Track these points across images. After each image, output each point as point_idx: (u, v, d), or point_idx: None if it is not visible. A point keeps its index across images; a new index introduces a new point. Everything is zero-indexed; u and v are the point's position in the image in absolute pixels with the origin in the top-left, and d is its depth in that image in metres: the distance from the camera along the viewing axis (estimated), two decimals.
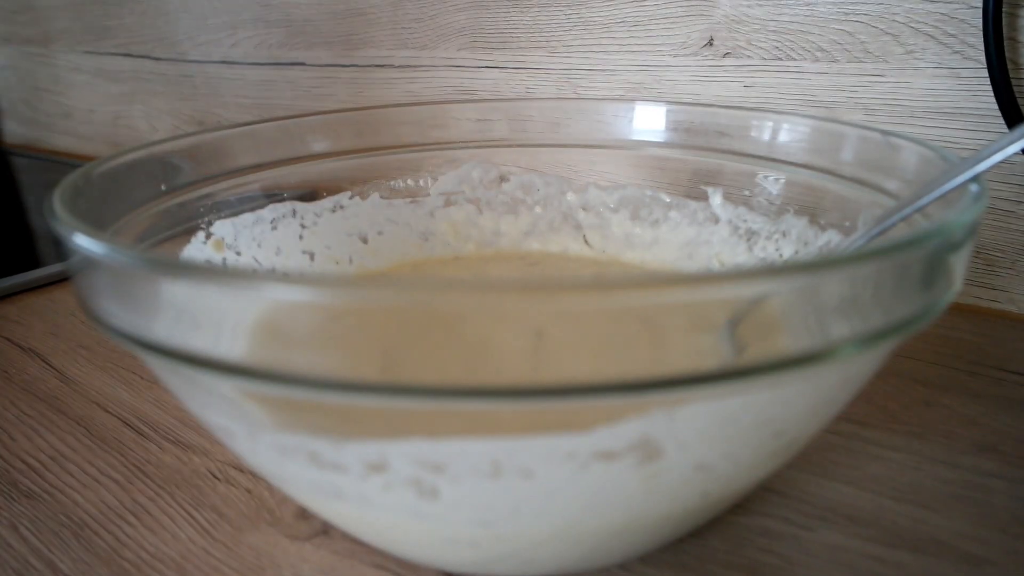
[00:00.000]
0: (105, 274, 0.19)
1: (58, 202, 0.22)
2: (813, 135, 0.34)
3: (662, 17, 0.50)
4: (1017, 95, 0.39)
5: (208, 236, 0.35)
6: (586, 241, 0.42)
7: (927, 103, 0.42)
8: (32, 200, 0.77)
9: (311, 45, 0.70)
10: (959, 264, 0.20)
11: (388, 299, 0.17)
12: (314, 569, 0.25)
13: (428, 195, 0.42)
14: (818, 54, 0.45)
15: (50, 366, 0.40)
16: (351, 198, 0.40)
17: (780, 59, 0.46)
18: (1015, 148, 0.24)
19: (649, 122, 0.40)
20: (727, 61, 0.48)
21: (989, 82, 0.39)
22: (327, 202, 0.40)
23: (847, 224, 0.32)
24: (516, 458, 0.18)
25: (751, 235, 0.37)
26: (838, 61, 0.44)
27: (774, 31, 0.46)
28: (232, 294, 0.17)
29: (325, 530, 0.27)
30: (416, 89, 0.64)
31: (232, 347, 0.18)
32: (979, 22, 0.39)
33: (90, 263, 0.19)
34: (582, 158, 0.41)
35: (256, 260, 0.37)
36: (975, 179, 0.24)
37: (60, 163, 0.92)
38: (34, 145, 1.07)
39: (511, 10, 0.56)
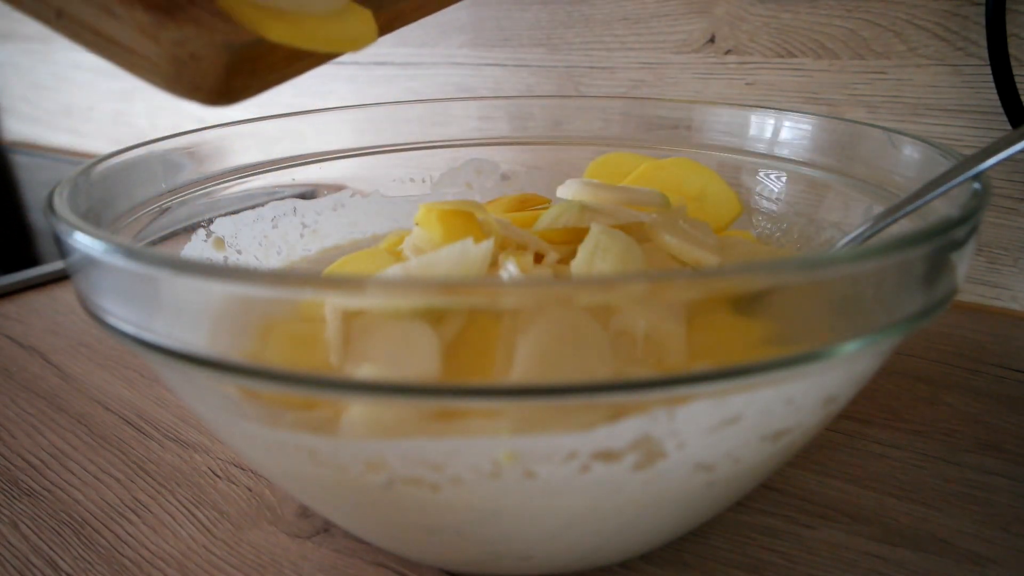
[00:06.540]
0: (105, 272, 0.19)
1: (58, 200, 0.22)
2: (815, 132, 0.34)
3: (663, 14, 0.50)
4: (1020, 92, 0.38)
5: (208, 234, 0.35)
6: None
7: (929, 100, 0.42)
8: (32, 197, 0.77)
9: None
10: (961, 262, 0.20)
11: (387, 299, 0.17)
12: (315, 567, 0.25)
13: (429, 193, 0.42)
14: (820, 51, 0.45)
15: (50, 364, 0.40)
16: (352, 196, 0.40)
17: (782, 56, 0.46)
18: (1018, 147, 0.24)
19: (650, 120, 0.39)
20: (729, 58, 0.48)
21: (992, 79, 0.39)
22: (328, 200, 0.40)
23: (849, 222, 0.32)
24: (516, 458, 0.18)
25: (752, 233, 0.37)
26: (840, 58, 0.44)
27: (776, 28, 0.46)
28: (232, 293, 0.17)
29: (326, 528, 0.27)
30: (417, 87, 0.64)
31: (232, 346, 0.18)
32: (981, 19, 0.39)
33: (90, 261, 0.19)
34: (583, 156, 0.41)
35: (257, 259, 0.37)
36: (977, 177, 0.24)
37: (60, 161, 0.92)
38: (34, 143, 1.07)
39: (512, 7, 0.56)
